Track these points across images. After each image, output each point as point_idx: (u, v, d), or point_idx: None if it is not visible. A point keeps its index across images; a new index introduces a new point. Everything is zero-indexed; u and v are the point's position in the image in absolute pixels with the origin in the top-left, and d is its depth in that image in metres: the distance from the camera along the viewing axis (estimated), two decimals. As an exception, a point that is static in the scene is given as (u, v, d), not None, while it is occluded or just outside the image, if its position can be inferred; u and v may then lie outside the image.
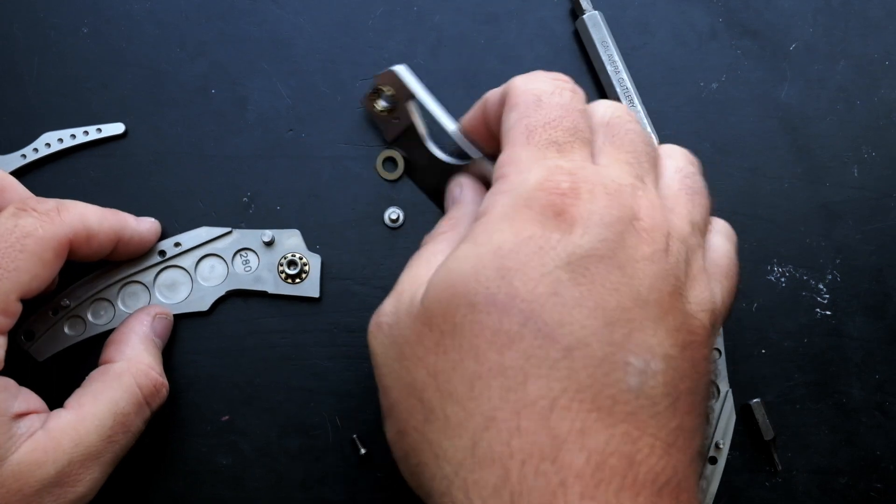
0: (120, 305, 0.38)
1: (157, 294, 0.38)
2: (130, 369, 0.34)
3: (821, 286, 0.42)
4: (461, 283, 0.25)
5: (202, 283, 0.39)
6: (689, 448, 0.25)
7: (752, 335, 0.41)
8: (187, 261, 0.39)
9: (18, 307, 0.32)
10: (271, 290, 0.39)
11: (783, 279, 0.41)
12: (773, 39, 0.44)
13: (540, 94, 0.29)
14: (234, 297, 0.40)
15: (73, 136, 0.40)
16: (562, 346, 0.24)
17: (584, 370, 0.24)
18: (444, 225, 0.32)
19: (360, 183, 0.41)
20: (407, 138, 0.38)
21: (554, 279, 0.25)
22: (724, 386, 0.40)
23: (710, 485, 0.39)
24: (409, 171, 0.40)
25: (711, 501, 0.39)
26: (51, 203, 0.33)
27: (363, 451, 0.39)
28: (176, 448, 0.39)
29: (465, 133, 0.35)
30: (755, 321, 0.41)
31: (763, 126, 0.43)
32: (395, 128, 0.38)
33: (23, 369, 0.37)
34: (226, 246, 0.39)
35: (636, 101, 0.41)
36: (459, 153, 0.35)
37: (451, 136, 0.35)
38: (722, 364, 0.40)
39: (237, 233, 0.39)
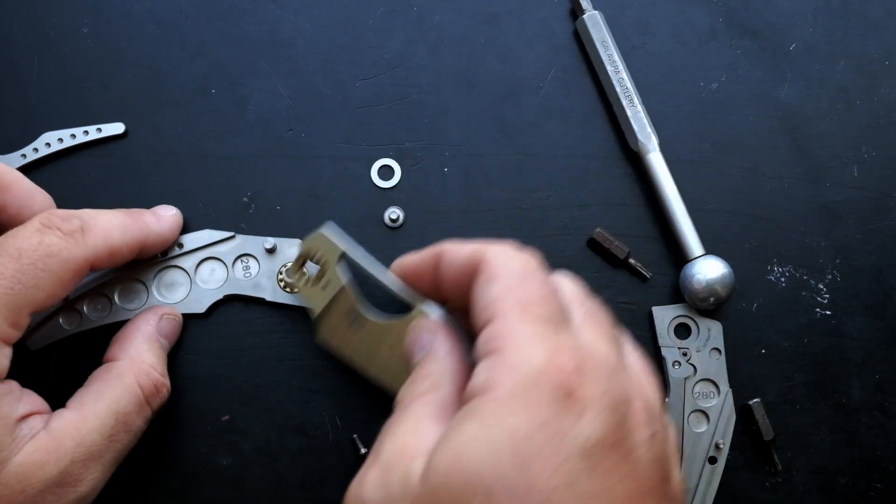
0: (118, 301, 0.38)
1: (156, 293, 0.38)
2: (132, 369, 0.35)
3: (821, 286, 0.42)
4: (475, 468, 0.24)
5: (201, 285, 0.39)
6: None
7: (752, 335, 0.41)
8: (188, 262, 0.39)
9: (28, 321, 0.32)
10: (269, 297, 0.39)
11: (783, 279, 0.41)
12: (773, 39, 0.44)
13: (522, 269, 0.29)
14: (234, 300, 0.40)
15: (73, 135, 0.40)
16: None
17: None
18: (422, 384, 0.31)
19: (360, 183, 0.41)
20: (336, 308, 0.36)
21: (570, 469, 0.24)
22: (724, 386, 0.40)
23: (710, 485, 0.39)
24: (340, 352, 0.37)
25: (711, 501, 0.39)
26: (76, 222, 0.33)
27: (363, 450, 0.39)
28: (176, 448, 0.39)
29: (406, 280, 0.35)
30: (755, 321, 0.41)
31: (763, 126, 0.43)
32: (322, 298, 0.36)
33: (19, 361, 0.37)
34: (228, 250, 0.39)
35: (636, 101, 0.41)
36: (398, 308, 0.35)
37: (389, 285, 0.35)
38: (722, 364, 0.40)
39: (240, 238, 0.39)
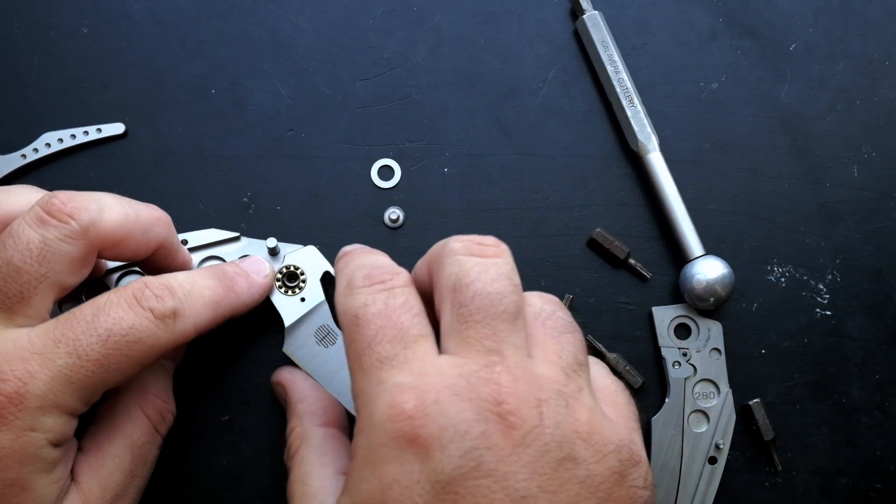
0: None
1: None
2: (137, 400, 0.34)
3: (821, 286, 0.42)
4: None
5: None
6: None
7: (752, 335, 0.41)
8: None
9: (99, 396, 0.31)
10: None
11: (783, 279, 0.41)
12: (773, 39, 0.44)
13: (356, 310, 0.28)
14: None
15: (74, 136, 0.40)
16: None
17: None
18: (292, 442, 0.34)
19: (360, 183, 0.41)
20: (309, 322, 0.37)
21: None
22: (724, 386, 0.40)
23: (710, 485, 0.39)
24: (304, 364, 0.38)
25: (711, 501, 0.39)
26: (169, 304, 0.31)
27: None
28: (176, 448, 0.39)
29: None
30: (755, 321, 0.41)
31: (763, 126, 0.43)
32: (299, 310, 0.37)
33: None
34: (232, 250, 0.39)
35: (636, 101, 0.41)
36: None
37: None
38: (722, 364, 0.40)
39: (245, 240, 0.39)
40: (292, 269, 0.38)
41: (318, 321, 0.37)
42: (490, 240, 0.29)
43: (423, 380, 0.25)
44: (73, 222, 0.30)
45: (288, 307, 0.38)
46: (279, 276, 0.38)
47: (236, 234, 0.39)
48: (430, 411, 0.25)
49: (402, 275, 0.29)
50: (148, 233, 0.33)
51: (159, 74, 0.42)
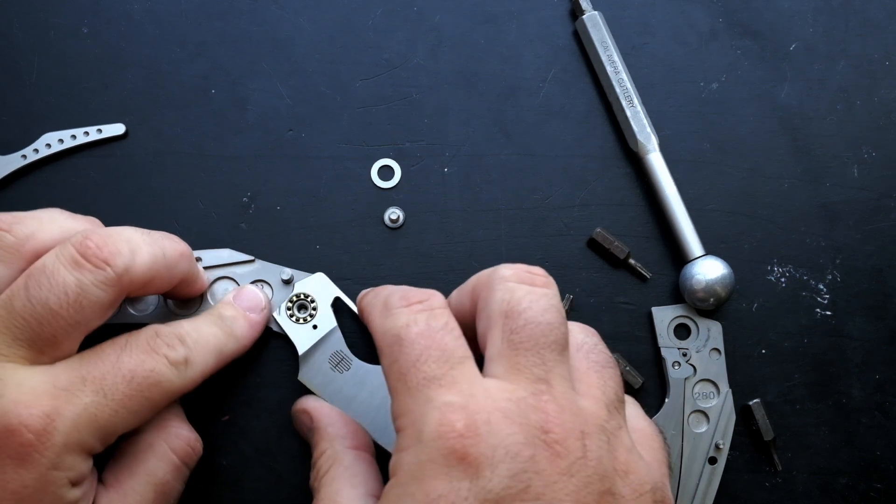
0: (128, 307, 0.38)
1: (166, 302, 0.38)
2: (161, 436, 0.33)
3: (821, 286, 0.42)
4: None
5: (213, 303, 0.38)
6: None
7: (752, 335, 0.41)
8: None
9: (115, 439, 0.31)
10: (274, 327, 0.39)
11: (783, 279, 0.41)
12: (773, 39, 0.44)
13: (398, 330, 0.28)
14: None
15: (74, 136, 0.40)
16: None
17: None
18: (321, 465, 0.33)
19: (360, 183, 0.41)
20: (322, 349, 0.37)
21: None
22: (724, 386, 0.40)
23: (710, 485, 0.39)
24: (320, 391, 0.38)
25: (711, 502, 0.39)
26: (181, 352, 0.32)
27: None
28: (176, 448, 0.39)
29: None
30: (755, 321, 0.41)
31: (763, 126, 0.43)
32: (311, 337, 0.38)
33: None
34: (245, 273, 0.39)
35: (636, 101, 0.41)
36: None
37: None
38: (722, 364, 0.40)
39: (259, 263, 0.39)
40: (302, 297, 0.38)
41: (332, 347, 0.37)
42: (539, 270, 0.30)
43: (473, 400, 0.25)
44: (108, 269, 0.30)
45: (300, 336, 0.38)
46: (290, 304, 0.38)
47: (251, 258, 0.39)
48: (482, 431, 0.25)
49: (438, 296, 0.30)
50: (173, 270, 0.33)
51: (159, 74, 0.42)
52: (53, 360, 0.30)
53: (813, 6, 0.44)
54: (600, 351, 0.30)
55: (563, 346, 0.28)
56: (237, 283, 0.39)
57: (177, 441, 0.34)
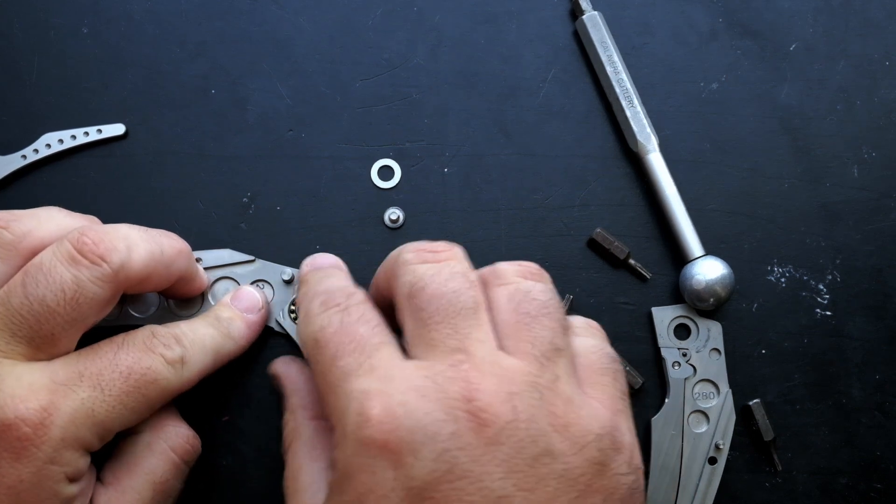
0: (129, 308, 0.38)
1: (166, 303, 0.38)
2: (160, 435, 0.33)
3: (821, 286, 0.42)
4: None
5: (213, 303, 0.38)
6: None
7: (752, 335, 0.41)
8: None
9: (112, 436, 0.31)
10: (276, 327, 0.39)
11: (783, 279, 0.41)
12: (773, 39, 0.44)
13: (314, 334, 0.28)
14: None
15: (74, 136, 0.40)
16: None
17: None
18: (287, 436, 0.33)
19: (360, 183, 0.41)
20: None
21: None
22: (724, 386, 0.40)
23: (710, 485, 0.39)
24: None
25: (711, 502, 0.39)
26: (178, 351, 0.32)
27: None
28: (176, 448, 0.39)
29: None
30: (755, 321, 0.41)
31: (763, 126, 0.43)
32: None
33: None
34: (245, 273, 0.39)
35: (636, 101, 0.41)
36: None
37: None
38: (722, 364, 0.40)
39: (260, 263, 0.39)
40: None
41: None
42: (441, 245, 0.29)
43: (390, 384, 0.25)
44: (105, 265, 0.29)
45: None
46: (293, 306, 0.38)
47: (251, 258, 0.39)
48: (398, 414, 0.24)
49: (357, 294, 0.29)
50: (170, 267, 0.33)
51: (159, 74, 0.42)
52: (51, 357, 0.30)
53: (813, 6, 0.44)
54: (532, 299, 0.28)
55: (474, 309, 0.27)
56: (238, 283, 0.39)
57: (176, 439, 0.34)
